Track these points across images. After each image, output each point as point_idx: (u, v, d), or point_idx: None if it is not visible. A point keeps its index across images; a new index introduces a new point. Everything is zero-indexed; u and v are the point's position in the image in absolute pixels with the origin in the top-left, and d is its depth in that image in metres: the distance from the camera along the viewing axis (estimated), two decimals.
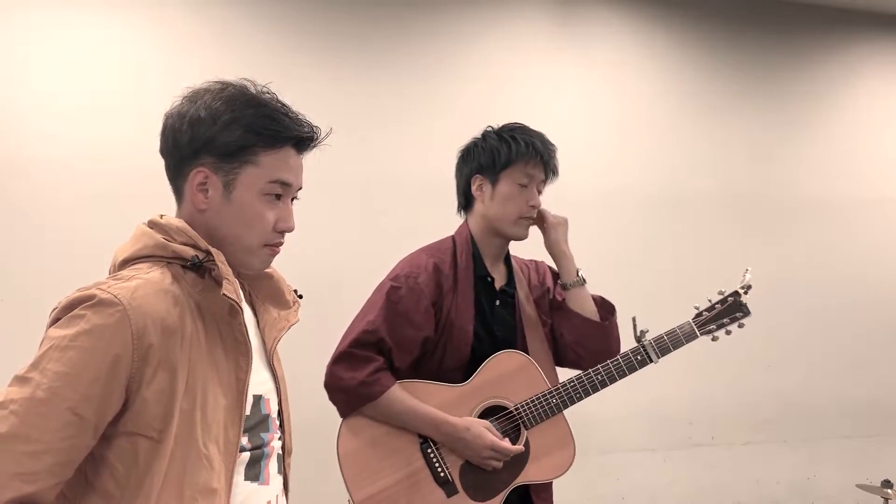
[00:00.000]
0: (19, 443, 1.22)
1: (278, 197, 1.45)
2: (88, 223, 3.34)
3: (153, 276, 1.36)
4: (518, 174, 2.27)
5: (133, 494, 1.30)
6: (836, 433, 4.71)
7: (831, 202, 4.79)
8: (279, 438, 1.55)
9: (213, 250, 1.39)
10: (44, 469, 1.23)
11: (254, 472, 1.45)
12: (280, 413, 1.55)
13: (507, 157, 2.27)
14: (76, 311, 1.29)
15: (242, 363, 1.42)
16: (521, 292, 2.38)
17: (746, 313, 2.42)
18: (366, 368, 2.14)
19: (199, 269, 1.40)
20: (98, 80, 3.51)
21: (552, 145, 2.34)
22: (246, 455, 1.44)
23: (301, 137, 1.45)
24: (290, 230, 1.48)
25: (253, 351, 1.46)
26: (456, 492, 2.18)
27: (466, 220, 2.37)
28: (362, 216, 3.84)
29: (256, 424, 1.47)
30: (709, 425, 4.49)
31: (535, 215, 2.32)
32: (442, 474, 2.19)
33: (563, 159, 4.26)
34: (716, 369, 4.49)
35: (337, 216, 3.77)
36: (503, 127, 2.35)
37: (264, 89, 1.46)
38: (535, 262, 2.52)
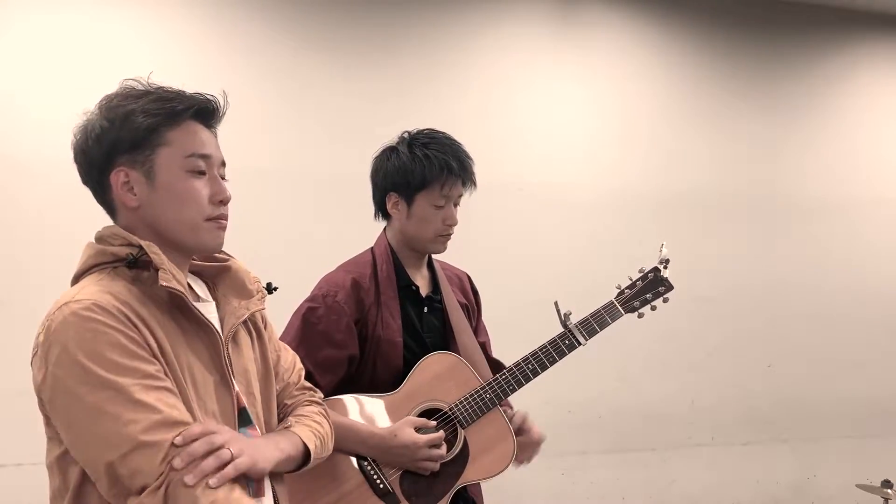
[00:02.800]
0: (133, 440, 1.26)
1: (202, 173, 1.45)
2: (91, 222, 3.34)
3: (102, 282, 1.38)
4: (434, 196, 2.19)
5: None
6: (836, 433, 4.71)
7: (831, 202, 4.79)
8: None
9: (145, 243, 1.40)
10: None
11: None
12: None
13: (421, 180, 2.18)
14: (60, 334, 1.29)
15: (213, 342, 1.44)
16: (447, 296, 2.33)
17: (669, 287, 2.37)
18: None
19: (141, 265, 1.41)
20: (101, 78, 3.50)
21: (468, 159, 2.24)
22: None
23: (198, 107, 1.46)
24: (227, 199, 1.47)
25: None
26: (397, 501, 2.12)
27: (385, 231, 2.33)
28: (363, 216, 3.84)
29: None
30: (709, 425, 4.49)
31: (452, 232, 2.26)
32: (381, 486, 2.11)
33: (563, 160, 4.31)
34: (716, 369, 4.49)
35: (337, 216, 3.77)
36: (415, 138, 2.24)
37: (151, 82, 1.48)
38: (459, 274, 2.48)
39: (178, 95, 1.45)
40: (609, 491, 4.25)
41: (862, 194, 4.86)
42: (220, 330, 1.47)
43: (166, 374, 1.33)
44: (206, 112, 1.48)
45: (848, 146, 4.86)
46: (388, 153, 2.27)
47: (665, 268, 2.39)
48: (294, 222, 3.68)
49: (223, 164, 1.50)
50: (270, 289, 1.65)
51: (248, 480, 1.48)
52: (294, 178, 3.60)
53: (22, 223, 3.39)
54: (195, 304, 1.44)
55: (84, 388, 1.26)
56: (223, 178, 1.50)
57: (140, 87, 1.46)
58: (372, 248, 2.34)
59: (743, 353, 4.56)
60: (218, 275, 1.57)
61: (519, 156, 4.19)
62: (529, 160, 4.21)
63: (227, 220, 1.48)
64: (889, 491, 3.10)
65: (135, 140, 1.41)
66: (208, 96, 1.48)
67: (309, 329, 2.15)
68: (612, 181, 4.36)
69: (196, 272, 1.57)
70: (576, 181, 4.30)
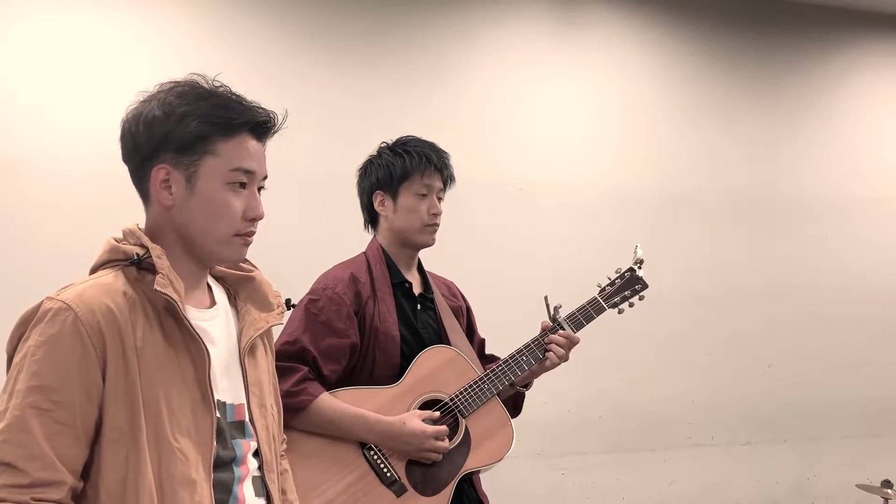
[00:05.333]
0: (20, 462, 1.26)
1: (243, 186, 1.44)
2: (89, 222, 3.34)
3: (104, 279, 1.38)
4: (416, 185, 2.33)
5: (127, 492, 1.31)
6: (836, 433, 4.71)
7: (831, 202, 4.79)
8: (255, 454, 1.50)
9: (153, 246, 1.40)
10: (46, 479, 1.27)
11: (222, 495, 1.42)
12: (253, 421, 1.51)
13: (402, 171, 2.33)
14: (30, 326, 1.33)
15: (200, 358, 1.40)
16: (438, 297, 2.44)
17: (644, 286, 2.53)
18: (290, 379, 2.12)
19: (147, 267, 1.40)
20: (101, 78, 3.51)
21: (445, 154, 2.40)
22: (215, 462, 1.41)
23: (256, 122, 1.45)
24: (260, 217, 1.46)
25: (224, 353, 1.46)
26: (405, 490, 2.18)
27: (375, 236, 2.43)
28: (361, 216, 3.85)
29: (223, 431, 1.44)
30: (709, 425, 4.49)
31: (438, 222, 2.38)
32: (388, 474, 2.18)
33: (563, 159, 4.31)
34: (716, 369, 4.49)
35: (337, 215, 3.76)
36: (396, 142, 2.40)
37: (216, 82, 1.46)
38: (446, 282, 2.58)
39: (238, 107, 1.44)
40: (609, 491, 4.25)
41: (862, 194, 4.86)
42: (207, 346, 1.43)
43: (95, 409, 1.32)
44: (261, 127, 1.47)
45: (848, 146, 4.85)
46: (371, 160, 2.42)
47: (640, 268, 2.54)
48: (292, 222, 3.68)
49: (264, 177, 1.49)
50: (289, 304, 1.67)
51: (262, 482, 1.49)
52: (293, 177, 3.60)
53: (21, 223, 3.39)
54: (196, 314, 1.43)
55: (16, 397, 1.29)
56: (262, 189, 1.49)
57: (204, 87, 1.45)
58: (364, 251, 2.42)
59: (743, 353, 4.56)
60: (241, 283, 1.58)
61: (518, 156, 4.19)
62: (529, 160, 4.21)
63: (254, 235, 1.48)
64: (889, 491, 3.10)
65: (185, 142, 1.40)
66: (268, 113, 1.47)
67: (311, 320, 2.23)
68: (612, 181, 4.36)
69: (219, 277, 1.57)
70: (575, 181, 4.30)
